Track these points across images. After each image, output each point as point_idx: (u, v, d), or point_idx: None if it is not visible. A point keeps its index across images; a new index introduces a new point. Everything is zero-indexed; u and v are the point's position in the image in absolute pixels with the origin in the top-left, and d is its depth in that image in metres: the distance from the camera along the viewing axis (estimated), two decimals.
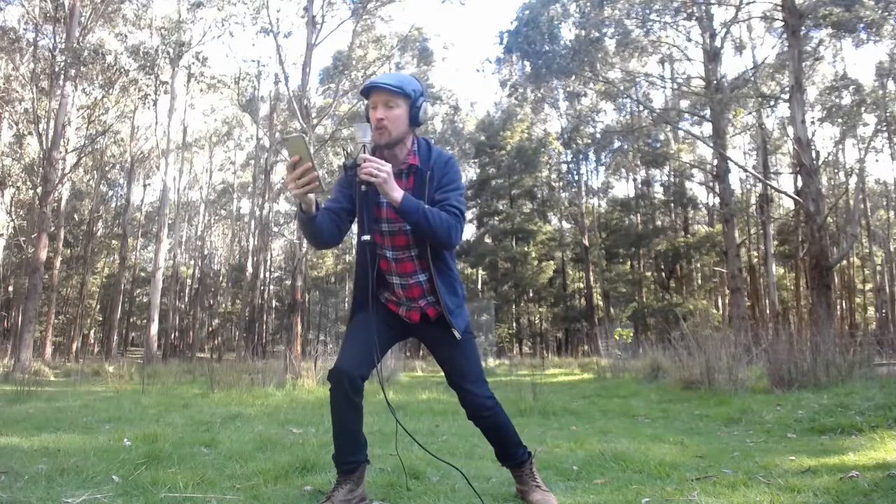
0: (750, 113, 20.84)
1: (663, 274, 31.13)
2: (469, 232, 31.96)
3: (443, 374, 2.27)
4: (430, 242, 2.06)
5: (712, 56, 16.82)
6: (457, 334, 2.11)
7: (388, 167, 1.92)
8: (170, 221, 23.78)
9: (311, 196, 1.92)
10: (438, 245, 2.06)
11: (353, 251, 37.40)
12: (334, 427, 2.10)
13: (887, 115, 19.64)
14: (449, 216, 2.00)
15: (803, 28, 14.46)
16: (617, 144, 29.48)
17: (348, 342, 2.13)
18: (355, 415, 2.08)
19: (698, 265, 32.28)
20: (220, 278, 38.16)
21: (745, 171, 20.94)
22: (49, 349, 19.19)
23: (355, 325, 2.15)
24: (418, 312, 2.18)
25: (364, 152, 1.97)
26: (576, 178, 32.25)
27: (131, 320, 37.55)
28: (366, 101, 2.10)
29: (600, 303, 30.32)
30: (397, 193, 1.93)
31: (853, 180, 23.78)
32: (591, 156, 31.86)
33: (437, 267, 2.11)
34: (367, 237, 2.07)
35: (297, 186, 1.86)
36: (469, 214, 30.77)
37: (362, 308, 2.13)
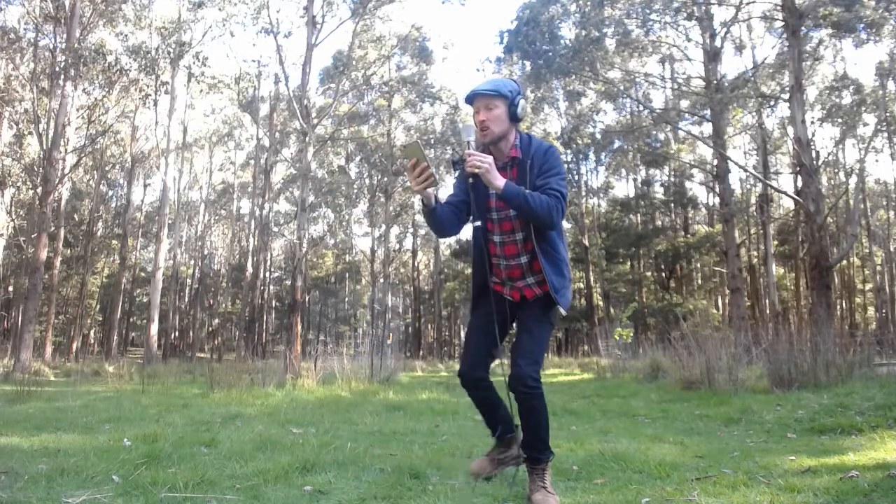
0: (750, 113, 20.86)
1: (663, 274, 31.13)
2: (468, 232, 31.90)
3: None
4: (534, 225, 2.29)
5: (712, 56, 16.82)
6: (562, 311, 2.35)
7: (489, 159, 2.19)
8: (170, 221, 23.77)
9: (431, 191, 2.23)
10: (541, 225, 2.28)
11: (354, 251, 37.45)
12: (480, 412, 2.60)
13: (887, 115, 19.64)
14: (549, 198, 2.22)
15: (803, 28, 14.46)
16: (617, 144, 29.45)
17: (467, 345, 2.51)
18: (487, 397, 2.49)
19: (698, 265, 32.27)
20: (220, 278, 38.14)
21: (745, 171, 20.93)
22: (49, 349, 19.18)
23: (472, 323, 2.50)
24: (518, 293, 2.42)
25: (469, 148, 2.23)
26: (576, 178, 32.23)
27: (131, 320, 37.55)
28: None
29: (600, 303, 30.31)
30: (499, 182, 2.18)
31: (853, 180, 23.78)
32: (591, 156, 31.81)
33: (542, 248, 2.32)
34: (477, 223, 2.36)
35: (417, 184, 2.17)
36: None
37: (479, 298, 2.45)
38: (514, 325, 2.50)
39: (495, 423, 2.53)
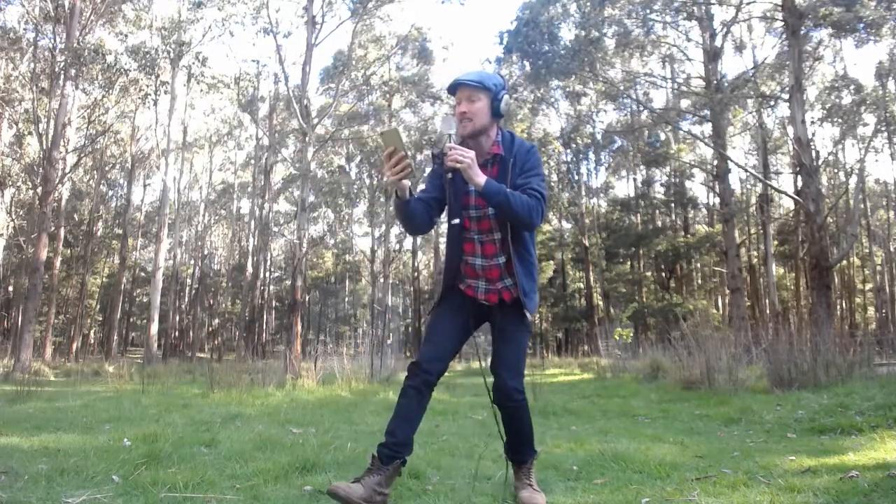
0: (750, 113, 20.85)
1: (663, 274, 31.12)
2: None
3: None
4: (512, 225, 2.22)
5: (712, 56, 16.82)
6: (529, 315, 2.26)
7: (471, 154, 2.11)
8: (170, 221, 23.76)
9: (406, 183, 2.13)
10: (521, 226, 2.22)
11: (354, 251, 37.44)
12: (395, 413, 2.21)
13: (887, 115, 19.64)
14: (530, 199, 2.16)
15: (803, 28, 14.46)
16: (617, 144, 29.47)
17: (430, 336, 2.31)
18: (419, 408, 2.21)
19: (698, 265, 32.27)
20: (220, 278, 38.13)
21: (746, 171, 20.93)
22: (49, 349, 19.19)
23: (440, 316, 2.33)
24: (496, 295, 2.32)
25: (450, 142, 2.15)
26: (576, 178, 32.23)
27: (131, 320, 37.55)
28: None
29: (600, 303, 30.30)
30: (481, 178, 2.11)
31: (853, 180, 23.77)
32: (591, 156, 31.84)
33: (517, 250, 2.26)
34: (455, 220, 2.26)
35: (393, 174, 2.08)
36: None
37: (447, 295, 2.34)
38: (494, 331, 2.36)
39: (402, 439, 2.17)
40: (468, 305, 2.34)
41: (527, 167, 2.25)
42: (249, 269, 29.72)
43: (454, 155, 2.08)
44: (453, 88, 2.27)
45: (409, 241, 36.28)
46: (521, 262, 2.26)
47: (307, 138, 16.66)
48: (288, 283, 29.87)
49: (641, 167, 31.13)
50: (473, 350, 2.62)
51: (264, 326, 33.23)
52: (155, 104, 20.13)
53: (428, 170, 2.37)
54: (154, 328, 20.55)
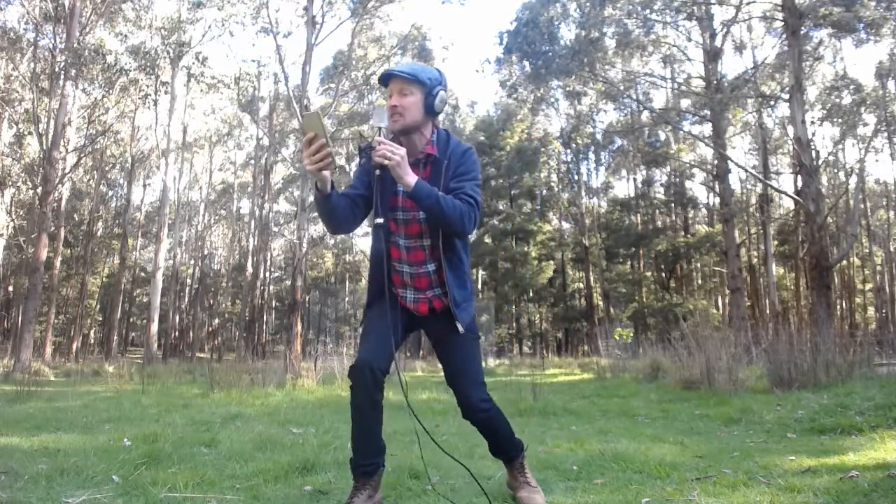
0: (750, 113, 20.86)
1: (663, 274, 31.13)
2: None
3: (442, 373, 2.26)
4: (443, 231, 2.06)
5: (712, 56, 16.82)
6: (460, 328, 2.09)
7: (402, 151, 1.93)
8: (170, 221, 23.77)
9: (327, 174, 1.93)
10: (452, 233, 2.07)
11: (354, 251, 37.45)
12: (354, 427, 2.06)
13: (887, 115, 19.65)
14: (462, 204, 2.00)
15: (803, 28, 14.47)
16: (617, 144, 29.49)
17: (366, 336, 2.12)
18: (375, 414, 2.05)
19: (698, 265, 32.29)
20: (220, 278, 38.14)
21: (746, 171, 20.94)
22: (49, 349, 19.18)
23: (371, 319, 2.13)
24: (426, 304, 2.16)
25: (380, 135, 1.97)
26: (576, 178, 32.25)
27: (131, 320, 37.54)
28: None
29: (600, 303, 30.31)
30: (411, 178, 1.94)
31: (853, 180, 23.79)
32: (591, 156, 31.89)
33: (448, 258, 2.10)
34: (380, 220, 2.06)
35: (311, 163, 1.88)
36: None
37: (377, 299, 2.12)
38: (434, 343, 2.24)
39: (372, 452, 2.07)
40: (399, 307, 2.18)
41: (461, 170, 2.08)
42: (249, 269, 29.73)
43: (382, 150, 1.91)
44: (385, 79, 2.09)
45: None
46: (453, 271, 2.10)
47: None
48: (288, 283, 29.86)
49: (641, 167, 31.14)
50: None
51: (264, 326, 33.22)
52: (155, 104, 20.14)
53: (360, 162, 2.16)
54: (154, 328, 20.55)
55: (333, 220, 2.05)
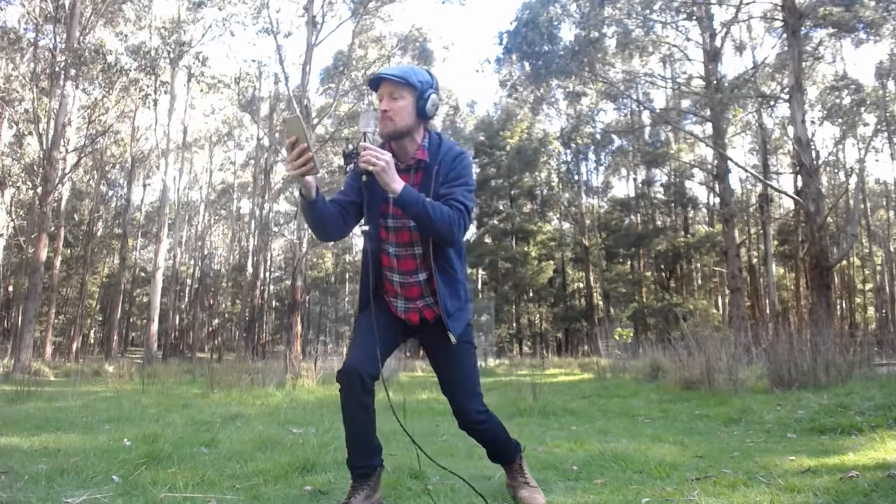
0: (750, 113, 20.85)
1: (663, 274, 31.14)
2: (469, 232, 31.98)
3: None
4: (433, 239, 2.01)
5: (712, 56, 16.81)
6: (452, 338, 2.05)
7: (387, 156, 1.87)
8: (170, 221, 23.77)
9: (311, 180, 1.89)
10: (440, 240, 2.00)
11: (354, 251, 37.44)
12: (347, 430, 2.05)
13: (887, 115, 19.65)
14: (452, 211, 1.94)
15: (803, 28, 14.45)
16: (617, 144, 29.48)
17: (355, 341, 2.07)
18: (367, 417, 2.02)
19: (698, 265, 32.28)
20: (220, 278, 38.14)
21: (745, 171, 20.93)
22: (49, 349, 19.19)
23: (361, 323, 2.08)
24: (417, 314, 2.12)
25: (365, 141, 1.92)
26: (576, 178, 32.25)
27: (131, 320, 37.52)
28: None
29: (600, 303, 30.31)
30: (397, 184, 1.88)
31: (853, 180, 23.77)
32: (591, 156, 31.89)
33: (440, 266, 2.05)
34: (366, 227, 2.02)
35: (294, 168, 1.83)
36: None
37: (367, 305, 2.06)
38: (428, 353, 2.22)
39: (367, 453, 2.07)
40: (392, 317, 2.15)
41: (452, 175, 2.01)
42: (249, 269, 29.71)
43: (367, 156, 1.85)
44: (375, 83, 2.04)
45: None
46: (445, 280, 2.05)
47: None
48: (288, 283, 29.86)
49: (641, 167, 31.14)
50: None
51: (264, 326, 33.22)
52: (155, 104, 20.13)
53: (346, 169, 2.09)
54: (154, 328, 20.55)
55: (320, 227, 2.00)
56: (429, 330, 2.14)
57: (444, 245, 2.04)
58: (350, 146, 1.96)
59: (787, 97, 14.54)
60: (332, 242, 35.24)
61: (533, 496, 2.17)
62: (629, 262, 32.37)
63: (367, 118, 1.96)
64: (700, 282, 33.41)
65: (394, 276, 2.11)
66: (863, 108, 19.82)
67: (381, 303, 2.13)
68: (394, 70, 2.03)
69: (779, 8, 13.81)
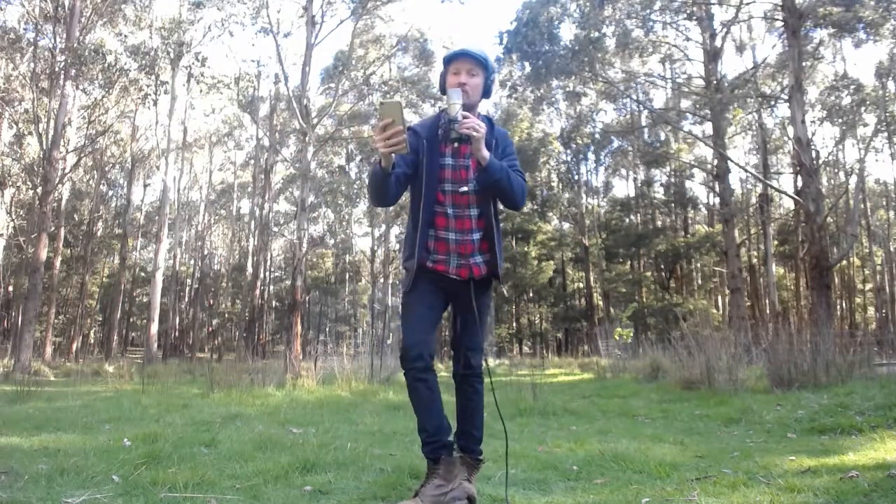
0: (750, 113, 20.86)
1: (663, 274, 31.13)
2: None
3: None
4: (502, 202, 2.28)
5: (712, 56, 16.82)
6: (503, 288, 2.31)
7: (484, 126, 2.12)
8: (170, 221, 23.75)
9: (394, 156, 2.11)
10: (510, 205, 2.26)
11: (354, 251, 37.42)
12: (415, 411, 2.19)
13: (887, 115, 19.66)
14: (521, 179, 2.25)
15: (803, 28, 14.46)
16: (617, 144, 29.47)
17: (410, 322, 2.23)
18: (432, 395, 2.17)
19: (698, 265, 32.29)
20: (220, 278, 38.13)
21: (745, 171, 20.95)
22: (49, 349, 19.17)
23: (412, 304, 2.26)
24: (467, 270, 2.28)
25: (460, 110, 2.12)
26: (576, 178, 32.25)
27: (131, 320, 37.53)
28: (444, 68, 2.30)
29: (600, 303, 30.31)
30: (486, 152, 2.13)
31: (853, 180, 23.77)
32: (591, 156, 31.86)
33: (497, 224, 2.31)
34: (428, 191, 2.22)
35: (385, 146, 2.02)
36: None
37: (418, 280, 2.25)
38: (458, 307, 2.36)
39: (433, 428, 2.15)
40: (439, 286, 2.29)
41: (508, 150, 2.31)
42: (249, 269, 29.72)
43: (472, 122, 2.07)
44: (452, 57, 2.26)
45: None
46: (497, 238, 2.31)
47: (307, 138, 16.65)
48: (288, 283, 29.88)
49: (641, 167, 31.13)
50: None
51: (264, 326, 33.21)
52: (155, 104, 20.12)
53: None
54: (154, 328, 20.54)
55: (384, 194, 2.18)
56: (464, 293, 2.28)
57: (510, 208, 2.31)
58: (450, 115, 2.14)
59: (787, 97, 14.54)
60: (335, 238, 35.43)
61: (467, 488, 2.07)
62: (629, 262, 32.37)
63: (455, 93, 2.16)
64: (700, 282, 33.41)
65: (450, 235, 2.28)
66: (863, 108, 19.84)
67: (425, 280, 2.28)
68: (476, 50, 2.26)
69: (779, 8, 13.81)
